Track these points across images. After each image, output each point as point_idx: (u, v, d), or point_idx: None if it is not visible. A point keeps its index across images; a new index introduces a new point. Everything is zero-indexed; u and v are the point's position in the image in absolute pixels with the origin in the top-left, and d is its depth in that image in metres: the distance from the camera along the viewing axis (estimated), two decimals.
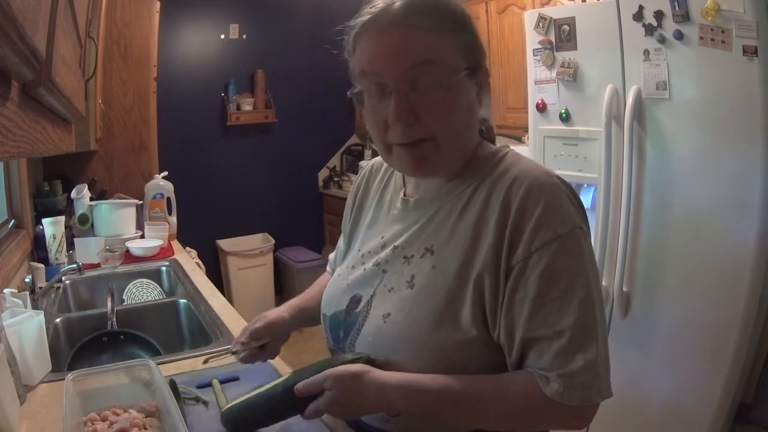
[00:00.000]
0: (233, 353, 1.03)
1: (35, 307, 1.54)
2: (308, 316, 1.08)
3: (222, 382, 1.16)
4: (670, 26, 1.82)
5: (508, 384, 0.79)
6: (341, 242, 1.09)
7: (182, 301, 1.77)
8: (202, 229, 3.78)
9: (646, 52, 1.89)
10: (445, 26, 0.78)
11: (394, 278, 0.87)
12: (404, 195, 0.94)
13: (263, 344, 1.01)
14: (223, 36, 4.00)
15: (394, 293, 0.86)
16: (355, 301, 0.91)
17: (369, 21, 0.79)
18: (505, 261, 0.78)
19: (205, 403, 1.07)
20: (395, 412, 0.86)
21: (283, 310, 1.06)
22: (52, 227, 2.04)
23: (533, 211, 0.77)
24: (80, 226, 2.35)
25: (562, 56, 2.17)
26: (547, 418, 0.80)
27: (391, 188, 0.98)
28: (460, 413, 0.80)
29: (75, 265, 1.88)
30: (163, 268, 2.17)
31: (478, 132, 0.90)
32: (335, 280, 0.99)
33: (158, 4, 2.95)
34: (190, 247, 2.68)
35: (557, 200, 0.78)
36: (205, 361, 1.32)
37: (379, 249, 0.92)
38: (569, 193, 0.81)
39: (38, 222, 2.16)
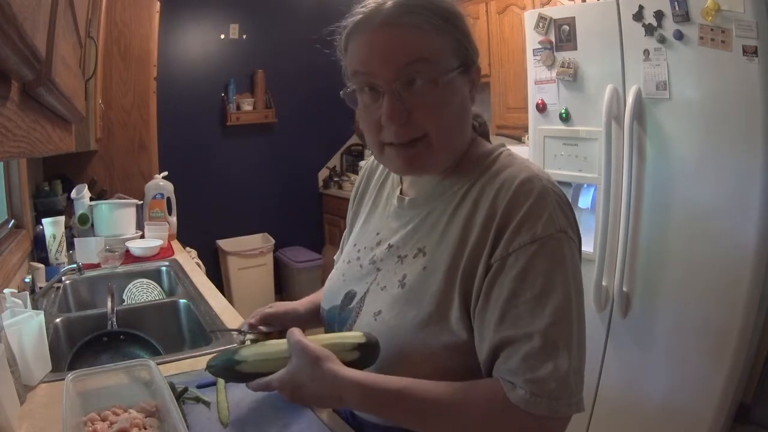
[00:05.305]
0: (239, 332, 1.02)
1: (35, 307, 1.54)
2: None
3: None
4: (670, 26, 1.81)
5: (471, 389, 0.75)
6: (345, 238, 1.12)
7: (182, 301, 1.77)
8: (202, 229, 3.78)
9: (646, 52, 1.89)
10: (437, 25, 0.77)
11: (387, 277, 0.88)
12: (401, 192, 0.94)
13: (270, 332, 1.00)
14: (223, 36, 4.00)
15: (386, 292, 0.86)
16: (349, 297, 0.92)
17: (361, 21, 0.79)
18: (484, 261, 0.77)
19: (206, 403, 1.06)
20: (345, 407, 0.85)
21: (298, 304, 1.07)
22: (52, 227, 2.04)
23: (517, 212, 0.76)
24: (80, 226, 2.35)
25: (562, 56, 2.17)
26: (508, 428, 0.74)
27: (389, 184, 0.99)
28: (414, 417, 0.77)
29: (75, 265, 1.88)
30: (163, 268, 2.17)
31: (472, 127, 0.90)
32: (333, 275, 1.01)
33: (158, 4, 2.95)
34: (190, 247, 2.68)
35: (542, 203, 0.76)
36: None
37: (375, 245, 0.93)
38: (558, 197, 0.79)
39: (38, 222, 2.16)
